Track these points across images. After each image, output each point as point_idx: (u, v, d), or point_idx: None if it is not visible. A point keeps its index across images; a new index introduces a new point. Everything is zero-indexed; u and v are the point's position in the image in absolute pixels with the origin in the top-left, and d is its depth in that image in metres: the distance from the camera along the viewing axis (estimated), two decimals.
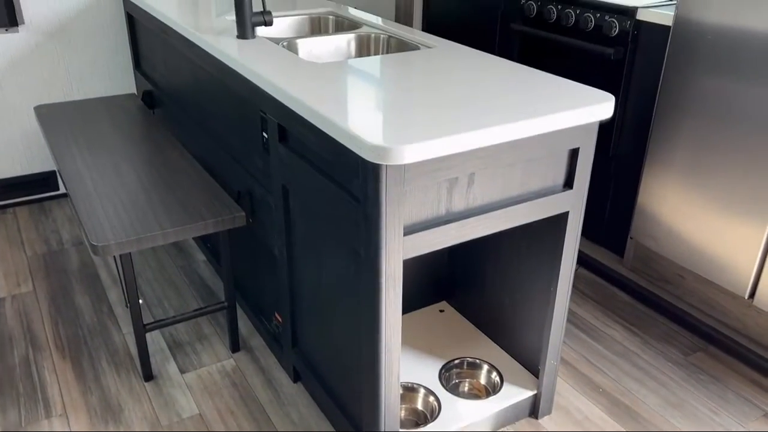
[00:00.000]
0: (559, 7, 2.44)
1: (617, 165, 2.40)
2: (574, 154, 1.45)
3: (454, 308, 2.10)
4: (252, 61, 1.64)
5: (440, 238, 1.33)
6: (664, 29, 2.11)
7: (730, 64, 1.90)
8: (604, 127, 2.39)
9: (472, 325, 2.01)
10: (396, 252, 1.27)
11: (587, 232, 2.61)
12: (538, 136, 1.34)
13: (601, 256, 2.52)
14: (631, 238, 2.37)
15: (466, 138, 1.22)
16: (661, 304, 2.25)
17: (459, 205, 1.34)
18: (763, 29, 1.80)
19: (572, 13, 2.39)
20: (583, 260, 2.53)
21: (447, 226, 1.33)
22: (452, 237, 1.35)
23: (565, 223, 1.52)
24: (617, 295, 2.35)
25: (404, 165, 1.20)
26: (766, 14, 1.78)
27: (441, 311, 2.09)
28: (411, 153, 1.16)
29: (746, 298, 1.99)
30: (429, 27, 3.27)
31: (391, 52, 1.98)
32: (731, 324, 2.09)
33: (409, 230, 1.29)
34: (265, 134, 1.64)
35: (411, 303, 2.08)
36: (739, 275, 1.99)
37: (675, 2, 2.11)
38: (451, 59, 1.69)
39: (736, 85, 1.89)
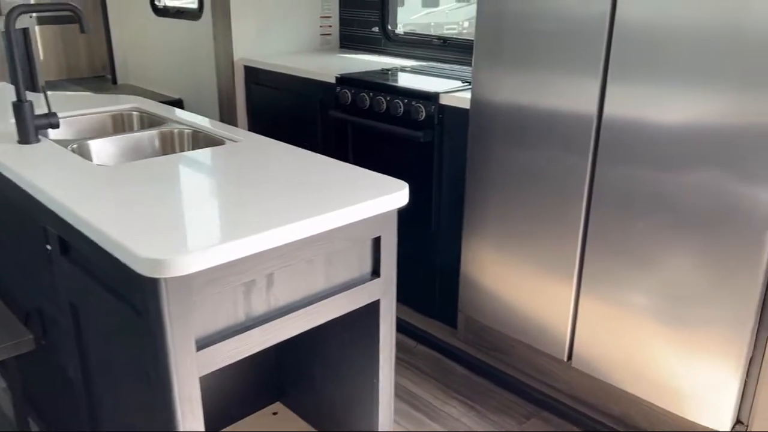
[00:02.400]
0: (371, 94, 2.53)
1: (441, 240, 2.47)
2: (376, 242, 1.45)
3: (289, 408, 1.98)
4: (29, 169, 1.49)
5: (242, 346, 1.25)
6: (465, 112, 2.24)
7: (521, 137, 2.04)
8: (426, 205, 2.47)
9: (308, 425, 1.91)
10: (189, 370, 1.16)
11: (422, 308, 2.64)
12: (337, 229, 1.32)
13: (437, 330, 2.54)
14: (460, 311, 2.42)
15: (257, 239, 1.17)
16: (496, 374, 2.29)
17: (260, 308, 1.27)
18: (539, 106, 1.96)
19: (383, 100, 2.48)
20: (420, 336, 2.53)
21: (248, 332, 1.25)
22: (256, 343, 1.27)
23: (378, 311, 1.50)
24: (454, 369, 2.36)
25: (188, 275, 1.11)
26: (538, 94, 1.95)
27: (274, 414, 1.97)
28: (194, 262, 1.08)
29: (566, 360, 2.08)
30: (254, 117, 3.27)
31: (197, 148, 1.92)
32: (559, 387, 2.17)
33: (204, 343, 1.19)
34: (48, 246, 1.48)
35: (240, 409, 1.94)
36: (556, 339, 2.08)
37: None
38: (254, 154, 1.65)
39: (527, 154, 2.03)
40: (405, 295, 2.69)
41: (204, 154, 1.64)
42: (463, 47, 3.00)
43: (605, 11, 1.77)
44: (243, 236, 1.15)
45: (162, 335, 1.12)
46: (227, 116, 3.31)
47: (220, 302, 1.20)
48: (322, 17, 3.48)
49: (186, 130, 1.94)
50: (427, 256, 2.54)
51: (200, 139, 1.91)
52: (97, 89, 4.18)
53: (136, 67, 4.27)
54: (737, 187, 1.61)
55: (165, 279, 1.08)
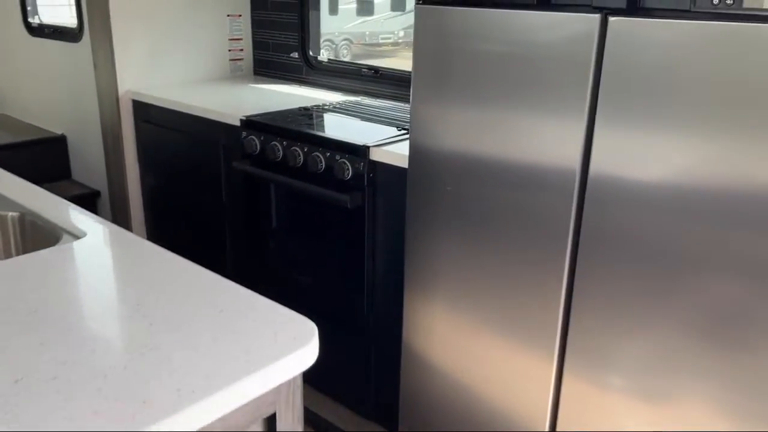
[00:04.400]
0: (284, 143, 2.01)
1: (376, 325, 1.97)
2: (271, 422, 0.94)
3: None
4: None
5: None
6: (402, 171, 1.75)
7: (477, 199, 1.57)
8: (357, 284, 1.96)
9: None
10: None
11: (356, 406, 2.13)
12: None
13: None
14: (400, 422, 1.92)
15: None
16: None
17: None
18: (503, 156, 1.50)
19: (299, 152, 1.97)
20: None
21: None
22: None
23: None
24: None
25: None
26: (499, 141, 1.49)
27: None
28: None
29: None
30: (146, 164, 2.68)
31: (25, 241, 1.35)
32: None
33: None
34: None
35: None
36: None
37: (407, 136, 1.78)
38: (91, 271, 1.11)
39: (487, 223, 1.56)
40: (336, 390, 2.18)
41: (10, 268, 1.08)
42: (398, 80, 2.52)
43: (592, 36, 1.32)
44: None
45: None
46: (113, 161, 2.72)
47: None
48: (231, 39, 2.94)
49: (11, 215, 1.37)
50: (360, 345, 2.03)
51: (30, 230, 1.34)
52: None
53: (12, 96, 3.60)
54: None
55: None
